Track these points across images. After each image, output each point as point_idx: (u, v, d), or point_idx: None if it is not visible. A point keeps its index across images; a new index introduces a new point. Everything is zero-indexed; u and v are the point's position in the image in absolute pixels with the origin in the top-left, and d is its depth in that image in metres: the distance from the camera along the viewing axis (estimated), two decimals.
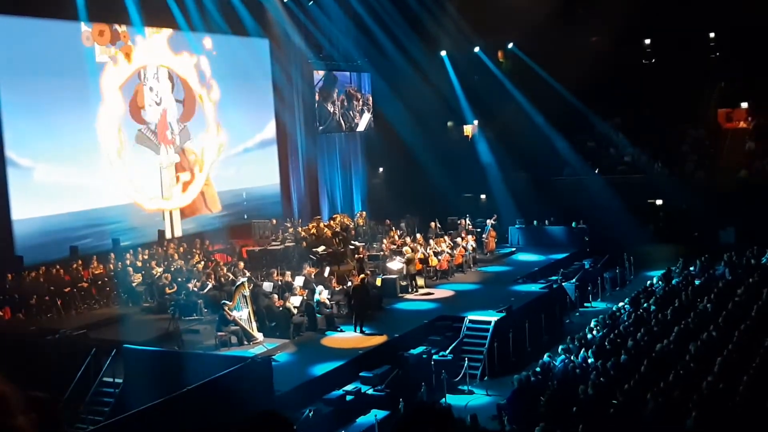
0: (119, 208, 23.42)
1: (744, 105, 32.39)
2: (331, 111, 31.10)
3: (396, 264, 22.47)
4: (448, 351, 17.34)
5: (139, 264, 21.81)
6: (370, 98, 32.80)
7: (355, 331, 18.37)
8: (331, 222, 26.64)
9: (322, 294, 18.92)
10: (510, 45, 34.56)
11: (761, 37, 29.52)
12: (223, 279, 20.56)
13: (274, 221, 27.26)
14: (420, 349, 16.98)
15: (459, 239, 25.46)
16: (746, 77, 31.30)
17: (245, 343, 17.17)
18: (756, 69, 30.43)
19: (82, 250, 21.69)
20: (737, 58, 31.25)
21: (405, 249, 22.91)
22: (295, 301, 18.59)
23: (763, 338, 14.43)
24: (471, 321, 18.55)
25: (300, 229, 26.20)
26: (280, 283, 19.96)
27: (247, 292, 17.70)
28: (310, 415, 13.73)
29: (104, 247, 22.43)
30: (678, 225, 28.06)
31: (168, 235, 24.57)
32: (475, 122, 34.62)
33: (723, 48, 32.98)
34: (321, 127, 30.67)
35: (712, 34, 33.29)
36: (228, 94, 26.78)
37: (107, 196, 23.07)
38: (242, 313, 17.40)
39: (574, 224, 28.43)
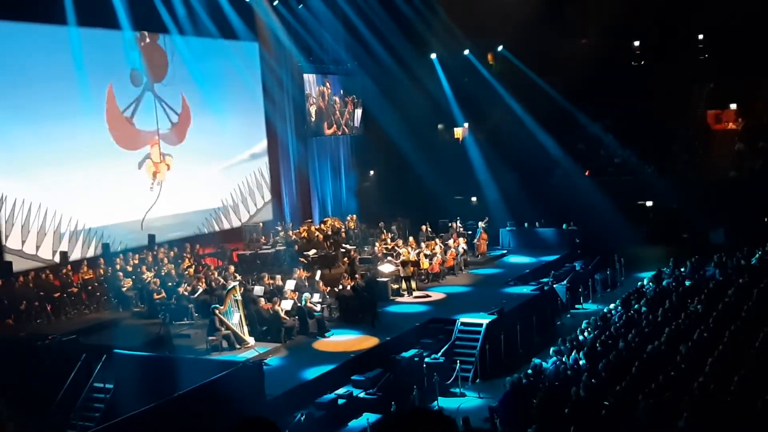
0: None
1: (733, 106, 32.55)
2: (322, 114, 31.10)
3: (388, 267, 22.47)
4: (439, 354, 17.35)
5: (130, 269, 21.71)
6: (361, 101, 32.82)
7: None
8: (322, 225, 26.64)
9: (309, 300, 18.81)
10: (500, 47, 34.59)
11: (749, 39, 29.67)
12: (214, 283, 20.51)
13: (261, 224, 27.24)
14: (412, 351, 16.97)
15: (450, 242, 25.47)
16: (735, 79, 31.45)
17: (236, 347, 17.12)
18: (744, 70, 30.58)
19: (72, 255, 21.57)
20: (726, 60, 31.39)
21: (402, 251, 22.92)
22: (286, 305, 18.56)
23: (753, 338, 14.48)
24: (463, 323, 18.57)
25: (291, 232, 26.18)
26: (271, 286, 19.92)
27: (238, 296, 17.65)
28: (302, 419, 13.72)
29: (94, 251, 22.33)
30: (668, 226, 28.16)
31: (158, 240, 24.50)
32: (466, 125, 34.65)
33: (711, 50, 33.12)
34: (312, 130, 30.69)
35: (700, 36, 33.44)
36: (218, 97, 26.68)
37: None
38: (233, 318, 17.36)
39: (565, 226, 28.48)
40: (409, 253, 22.92)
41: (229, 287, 18.08)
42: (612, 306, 19.63)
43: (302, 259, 23.65)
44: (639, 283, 21.69)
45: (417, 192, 30.48)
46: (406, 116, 30.80)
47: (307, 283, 20.63)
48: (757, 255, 21.99)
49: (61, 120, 21.90)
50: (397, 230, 28.00)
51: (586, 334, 16.90)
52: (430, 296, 22.02)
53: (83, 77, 22.17)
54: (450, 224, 28.13)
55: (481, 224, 27.46)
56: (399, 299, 21.67)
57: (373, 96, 31.43)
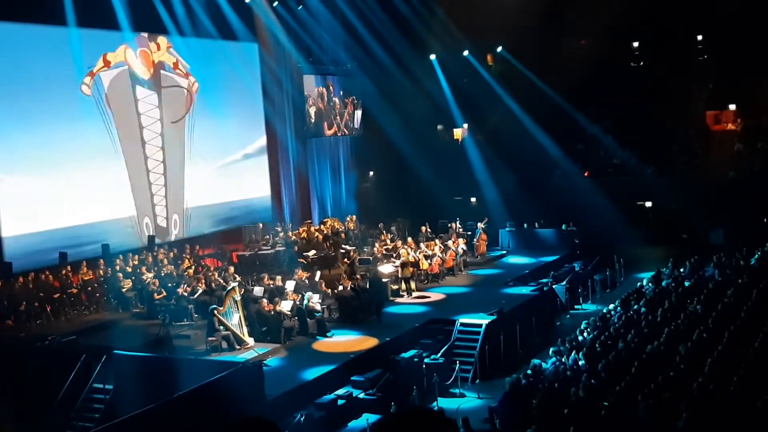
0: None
1: (732, 107, 32.57)
2: (321, 115, 31.11)
3: (387, 267, 22.48)
4: (439, 354, 17.34)
5: (129, 269, 21.72)
6: (360, 102, 32.83)
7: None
8: (322, 226, 26.61)
9: (311, 300, 18.87)
10: (499, 48, 34.61)
11: (749, 39, 29.70)
12: (213, 284, 20.52)
13: (260, 225, 27.26)
14: (411, 352, 16.97)
15: (450, 242, 25.49)
16: (734, 79, 31.47)
17: (236, 348, 17.13)
18: (743, 71, 30.61)
19: (72, 255, 21.57)
20: (725, 61, 31.41)
21: (402, 252, 22.93)
22: (286, 306, 18.58)
23: (752, 339, 14.49)
24: (462, 324, 18.57)
25: (290, 233, 26.18)
26: (271, 287, 19.94)
27: (238, 297, 17.66)
28: (302, 419, 13.72)
29: (94, 252, 22.32)
30: (668, 227, 28.16)
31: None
32: (465, 125, 34.67)
33: (711, 50, 33.15)
34: (311, 131, 30.70)
35: (700, 37, 33.47)
36: (217, 98, 26.68)
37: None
38: (233, 318, 17.36)
39: (564, 227, 28.50)
40: (408, 253, 22.93)
41: (229, 288, 18.09)
42: (611, 306, 19.63)
43: (302, 260, 23.64)
44: (638, 284, 21.70)
45: (416, 193, 30.47)
46: (405, 117, 30.81)
47: (307, 283, 20.67)
48: (757, 255, 22.01)
49: (62, 120, 21.92)
50: (397, 231, 27.99)
51: (585, 334, 16.90)
52: (429, 297, 22.02)
53: (82, 78, 22.21)
54: (449, 225, 28.15)
55: (480, 225, 27.47)
56: (398, 300, 21.68)
57: (372, 97, 31.44)
